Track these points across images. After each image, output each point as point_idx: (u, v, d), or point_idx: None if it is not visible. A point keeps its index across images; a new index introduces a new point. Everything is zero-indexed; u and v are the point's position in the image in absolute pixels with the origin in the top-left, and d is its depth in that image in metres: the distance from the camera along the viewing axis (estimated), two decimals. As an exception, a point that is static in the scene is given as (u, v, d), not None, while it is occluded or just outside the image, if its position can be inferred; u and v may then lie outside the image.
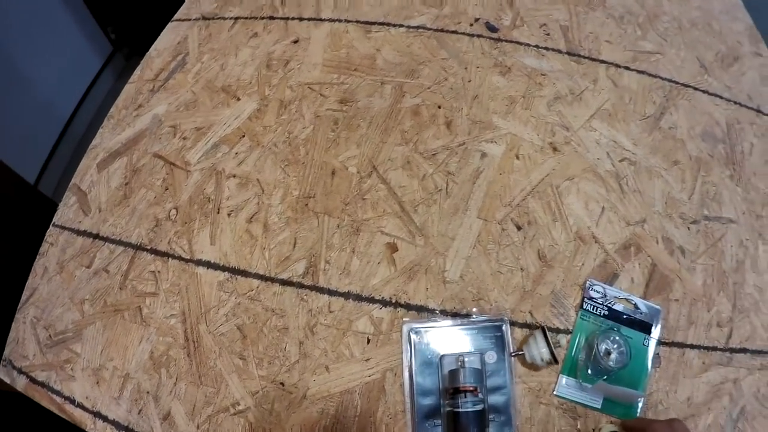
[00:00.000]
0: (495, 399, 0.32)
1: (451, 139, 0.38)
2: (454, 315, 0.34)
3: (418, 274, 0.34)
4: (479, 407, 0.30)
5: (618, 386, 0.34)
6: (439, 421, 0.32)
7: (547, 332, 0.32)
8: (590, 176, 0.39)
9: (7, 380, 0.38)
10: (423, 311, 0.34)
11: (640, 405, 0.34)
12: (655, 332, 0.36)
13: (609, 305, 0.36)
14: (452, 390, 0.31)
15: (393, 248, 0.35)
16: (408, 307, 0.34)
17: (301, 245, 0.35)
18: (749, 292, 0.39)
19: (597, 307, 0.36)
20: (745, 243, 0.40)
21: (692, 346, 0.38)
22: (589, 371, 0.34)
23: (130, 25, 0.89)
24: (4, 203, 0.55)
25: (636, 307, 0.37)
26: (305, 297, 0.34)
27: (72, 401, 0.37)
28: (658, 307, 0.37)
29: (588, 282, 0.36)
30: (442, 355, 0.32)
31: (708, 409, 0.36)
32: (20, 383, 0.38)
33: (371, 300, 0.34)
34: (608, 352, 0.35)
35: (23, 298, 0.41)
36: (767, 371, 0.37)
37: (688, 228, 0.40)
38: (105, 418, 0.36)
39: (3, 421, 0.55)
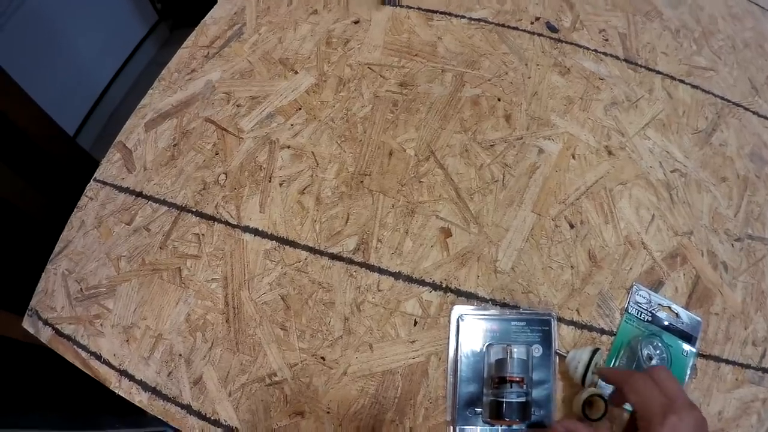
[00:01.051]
0: (537, 393, 0.33)
1: (510, 132, 0.39)
2: (503, 305, 0.33)
3: (470, 261, 0.35)
4: (523, 399, 0.31)
5: None
6: (480, 410, 0.32)
7: (597, 355, 0.32)
8: (642, 183, 0.39)
9: (32, 330, 0.38)
10: (472, 298, 0.34)
11: None
12: (695, 343, 0.36)
13: (653, 311, 0.36)
14: (498, 379, 0.31)
15: (447, 233, 0.35)
16: (458, 293, 0.34)
17: (354, 221, 0.35)
18: None
19: (641, 312, 0.36)
20: None
21: (727, 362, 0.38)
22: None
23: None
24: (44, 155, 0.54)
25: (678, 316, 0.37)
26: (354, 273, 0.34)
27: (98, 357, 0.36)
28: (699, 318, 0.37)
29: (635, 286, 0.36)
30: (489, 344, 0.32)
31: (737, 425, 0.36)
32: (45, 334, 0.37)
33: (421, 282, 0.34)
34: (650, 357, 0.35)
35: (56, 249, 0.40)
36: None
37: (732, 245, 0.41)
38: (131, 377, 0.35)
39: (24, 372, 0.53)
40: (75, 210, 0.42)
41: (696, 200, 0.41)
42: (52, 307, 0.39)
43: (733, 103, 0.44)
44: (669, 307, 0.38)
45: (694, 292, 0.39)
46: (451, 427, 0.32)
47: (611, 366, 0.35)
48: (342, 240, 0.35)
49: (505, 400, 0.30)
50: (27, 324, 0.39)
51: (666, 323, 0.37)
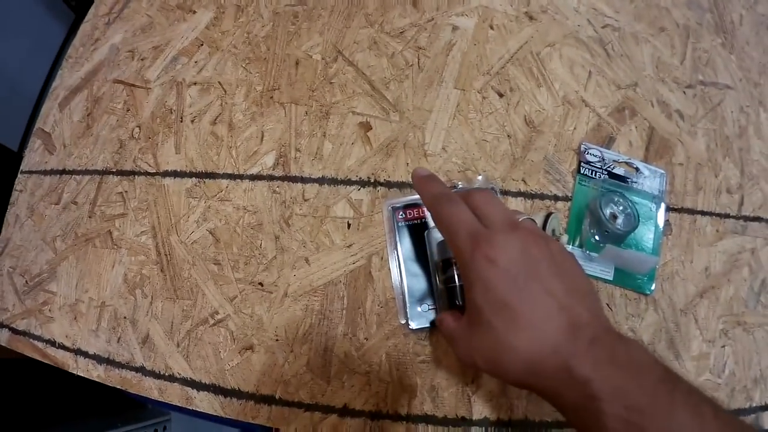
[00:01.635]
0: None
1: (419, 16, 0.34)
2: None
3: (395, 150, 0.30)
4: None
5: (629, 250, 0.27)
6: (432, 304, 0.26)
7: (551, 219, 0.26)
8: (572, 42, 0.34)
9: None
10: (405, 188, 0.28)
11: (658, 268, 0.28)
12: (663, 197, 0.30)
13: (608, 169, 0.31)
14: (443, 263, 0.26)
15: (366, 127, 0.30)
16: (389, 184, 0.29)
17: (269, 137, 0.31)
18: (756, 158, 0.34)
19: (595, 171, 0.30)
20: (745, 109, 0.35)
21: (703, 213, 0.32)
22: (596, 238, 0.28)
23: None
24: None
25: (638, 170, 0.31)
26: (277, 189, 0.30)
27: (53, 343, 0.33)
28: (662, 170, 0.31)
29: (583, 145, 0.31)
30: (428, 229, 0.27)
31: (728, 280, 0.31)
32: (3, 338, 0.35)
33: (348, 182, 0.29)
34: (614, 216, 0.29)
35: None
36: None
37: (684, 92, 0.35)
38: (85, 354, 0.31)
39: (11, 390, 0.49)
40: (9, 207, 0.38)
41: (635, 52, 0.35)
42: (4, 309, 0.36)
43: (662, -57, 0.37)
44: (626, 163, 0.32)
45: (650, 144, 0.33)
46: (408, 328, 0.27)
47: (571, 229, 0.29)
48: (259, 159, 0.31)
49: (457, 284, 0.25)
50: None
51: (627, 180, 0.31)
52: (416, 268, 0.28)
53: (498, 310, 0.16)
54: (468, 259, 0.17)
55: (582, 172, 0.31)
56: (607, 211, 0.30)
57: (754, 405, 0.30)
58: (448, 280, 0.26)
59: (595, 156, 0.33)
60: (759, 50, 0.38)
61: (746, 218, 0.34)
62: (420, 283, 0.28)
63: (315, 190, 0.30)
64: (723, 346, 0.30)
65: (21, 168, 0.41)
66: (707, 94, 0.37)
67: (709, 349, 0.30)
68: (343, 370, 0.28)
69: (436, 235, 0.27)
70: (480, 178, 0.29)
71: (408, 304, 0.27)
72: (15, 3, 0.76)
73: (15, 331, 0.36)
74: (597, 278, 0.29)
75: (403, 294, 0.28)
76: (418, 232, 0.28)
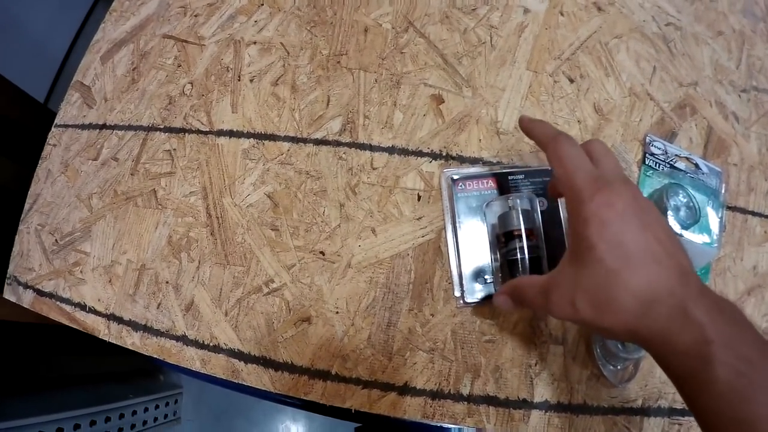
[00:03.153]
0: (552, 255, 0.26)
1: None
2: (498, 163, 0.27)
3: (468, 125, 0.28)
4: (536, 254, 0.24)
5: (690, 240, 0.26)
6: (490, 278, 0.25)
7: None
8: (638, 36, 0.33)
9: (13, 298, 0.32)
10: (477, 163, 0.26)
11: (713, 262, 0.27)
12: (720, 195, 0.29)
13: (671, 162, 0.30)
14: (504, 237, 0.25)
15: (439, 100, 0.29)
16: (461, 159, 0.28)
17: (336, 102, 0.29)
18: None
19: (659, 164, 0.30)
20: None
21: (754, 213, 0.32)
22: None
23: None
24: (14, 124, 0.45)
25: (697, 167, 0.30)
26: (344, 155, 0.28)
27: (83, 307, 0.30)
28: (719, 168, 0.30)
29: (648, 137, 0.30)
30: (488, 203, 0.26)
31: None
32: (27, 299, 0.32)
33: (419, 153, 0.28)
34: (677, 208, 0.28)
35: (26, 207, 0.35)
36: None
37: (739, 96, 0.35)
38: (120, 320, 0.29)
39: (23, 354, 0.45)
40: (40, 161, 0.36)
41: (695, 52, 0.35)
42: (29, 268, 0.32)
43: (724, -51, 0.37)
44: (687, 158, 0.31)
45: (709, 142, 0.32)
46: (461, 301, 0.26)
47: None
48: (325, 123, 0.29)
49: (518, 257, 0.24)
50: (8, 293, 0.33)
51: (688, 174, 0.30)
52: (474, 241, 0.26)
53: (614, 248, 0.16)
54: (586, 198, 0.17)
55: (647, 163, 0.31)
56: (672, 203, 0.30)
57: None
58: (510, 253, 0.24)
59: (659, 149, 0.32)
60: (807, 61, 0.39)
61: None
62: (477, 257, 0.26)
63: (384, 159, 0.28)
64: None
65: (55, 121, 0.37)
66: (760, 99, 0.37)
67: None
68: (406, 346, 0.26)
69: (496, 209, 0.26)
70: (522, 154, 0.28)
71: (465, 278, 0.26)
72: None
73: (40, 293, 0.32)
74: None
75: (459, 267, 0.26)
76: (474, 202, 0.27)
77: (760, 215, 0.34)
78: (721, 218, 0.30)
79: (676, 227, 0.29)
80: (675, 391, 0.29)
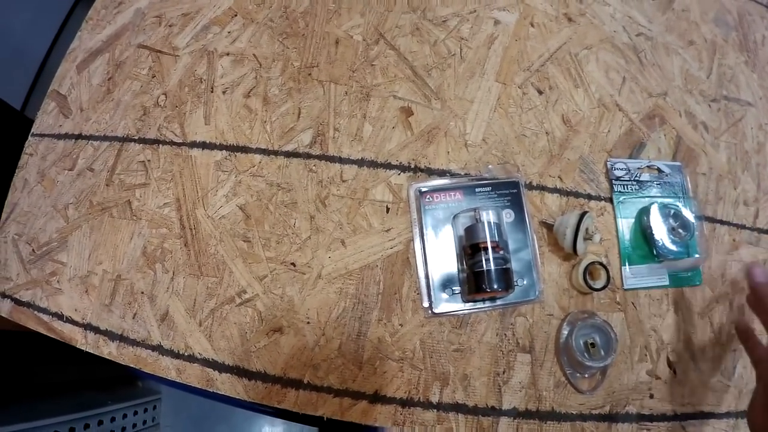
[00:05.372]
0: (516, 261, 0.27)
1: (462, 6, 0.33)
2: (466, 175, 0.27)
3: (437, 138, 0.29)
4: (503, 265, 0.25)
5: (683, 259, 0.28)
6: (458, 288, 0.26)
7: (585, 218, 0.26)
8: (608, 47, 0.34)
9: None
10: (445, 175, 0.27)
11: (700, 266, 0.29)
12: (687, 192, 0.31)
13: (636, 179, 0.30)
14: (470, 248, 0.26)
15: (408, 112, 0.29)
16: (429, 171, 0.28)
17: (306, 114, 0.29)
18: None
19: (627, 185, 0.30)
20: (764, 127, 0.36)
21: (722, 222, 0.33)
22: (658, 250, 0.28)
23: None
24: None
25: (660, 171, 0.31)
26: (314, 167, 0.28)
27: (60, 317, 0.30)
28: (677, 163, 0.32)
29: (608, 162, 0.31)
30: (455, 215, 0.27)
31: (742, 288, 0.31)
32: (5, 308, 0.32)
33: (388, 166, 0.28)
34: (673, 228, 0.28)
35: (2, 217, 0.34)
36: None
37: (709, 105, 0.36)
38: (96, 330, 0.29)
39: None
40: (17, 170, 0.35)
41: (666, 62, 0.36)
42: (7, 278, 0.32)
43: (695, -38, 0.38)
44: (648, 167, 0.32)
45: (677, 152, 0.33)
46: (430, 312, 0.26)
47: (623, 249, 0.28)
48: (296, 135, 0.29)
49: (484, 268, 0.24)
50: None
51: (655, 183, 0.31)
52: (441, 253, 0.27)
53: None
54: None
55: (616, 189, 0.30)
56: (666, 227, 0.29)
57: None
58: (476, 265, 0.25)
59: (622, 169, 0.32)
60: (778, 70, 0.40)
61: (760, 230, 0.34)
62: (445, 268, 0.27)
63: (354, 171, 0.28)
64: (734, 350, 0.31)
65: (32, 131, 0.37)
66: (730, 109, 0.37)
67: (722, 352, 0.31)
68: (375, 355, 0.27)
69: (463, 221, 0.27)
70: (490, 167, 0.29)
71: (433, 288, 0.27)
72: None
73: (18, 302, 0.32)
74: (656, 287, 0.29)
75: (427, 278, 0.27)
76: (441, 214, 0.27)
77: (728, 224, 0.35)
78: (695, 216, 0.31)
79: (672, 246, 0.29)
80: (643, 397, 0.30)
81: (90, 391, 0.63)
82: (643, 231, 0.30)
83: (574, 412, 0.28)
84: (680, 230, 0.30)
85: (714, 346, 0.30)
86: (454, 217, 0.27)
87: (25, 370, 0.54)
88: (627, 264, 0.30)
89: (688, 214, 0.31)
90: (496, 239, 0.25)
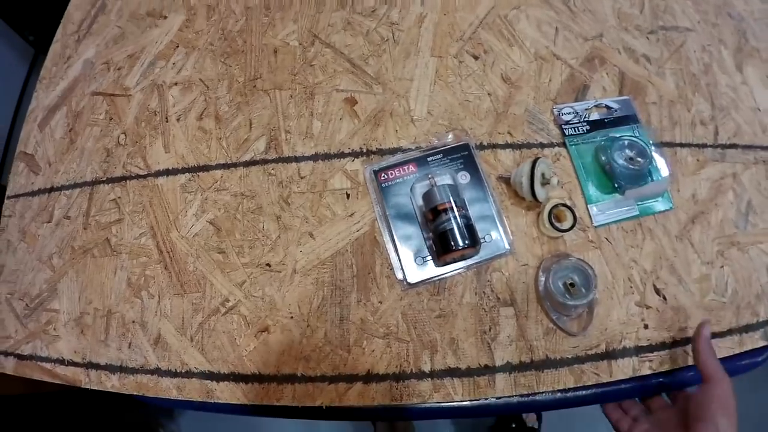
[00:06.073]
0: (479, 217, 0.30)
1: None
2: (417, 149, 0.31)
3: (383, 120, 0.33)
4: (465, 221, 0.28)
5: (646, 185, 0.31)
6: (428, 256, 0.29)
7: (538, 164, 0.28)
8: (536, 2, 0.38)
9: None
10: (398, 152, 0.30)
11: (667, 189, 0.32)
12: (638, 122, 0.34)
13: (586, 119, 0.34)
14: (431, 213, 0.29)
15: (352, 102, 0.33)
16: (381, 152, 0.32)
17: (258, 124, 0.33)
18: (724, 91, 0.38)
19: (577, 127, 0.34)
20: (707, 48, 0.39)
21: (682, 145, 0.36)
22: (620, 183, 0.31)
23: (45, 24, 0.79)
24: None
25: (608, 108, 0.34)
26: (272, 171, 0.32)
27: (62, 361, 0.34)
28: (626, 97, 0.35)
29: (554, 109, 0.35)
30: (411, 186, 0.31)
31: (715, 204, 0.34)
32: (9, 366, 0.35)
33: (341, 155, 0.32)
34: (630, 158, 0.32)
35: None
36: (762, 165, 0.35)
37: (647, 38, 0.39)
38: (97, 366, 0.32)
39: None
40: (0, 233, 0.38)
41: (596, 6, 0.40)
42: (6, 336, 0.36)
43: None
44: (595, 106, 0.35)
45: (623, 87, 0.37)
46: (405, 283, 0.29)
47: (586, 188, 0.32)
48: (251, 145, 0.33)
49: (447, 228, 0.28)
50: None
51: (605, 120, 0.34)
52: (406, 225, 0.30)
53: None
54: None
55: (567, 134, 0.34)
56: (620, 161, 0.32)
57: (761, 320, 0.32)
58: (440, 226, 0.28)
59: (569, 113, 0.35)
60: (714, -8, 0.43)
61: (723, 146, 0.37)
62: (412, 238, 0.30)
63: (310, 167, 0.32)
64: (722, 267, 0.33)
65: (7, 194, 0.41)
66: (669, 37, 0.40)
67: (709, 270, 0.33)
68: (361, 336, 0.30)
69: (420, 190, 0.30)
70: (450, 136, 0.32)
71: (404, 261, 0.30)
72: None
73: (21, 357, 0.36)
74: (627, 219, 0.32)
75: (397, 252, 0.30)
76: (401, 189, 0.31)
77: (689, 145, 0.38)
78: (653, 143, 0.34)
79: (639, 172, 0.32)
80: (637, 329, 0.33)
81: None
82: (602, 168, 0.33)
83: (569, 356, 0.30)
84: (638, 158, 0.33)
85: (700, 266, 0.33)
86: (411, 189, 0.30)
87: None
88: (593, 202, 0.32)
89: (644, 142, 0.33)
90: (453, 199, 0.28)
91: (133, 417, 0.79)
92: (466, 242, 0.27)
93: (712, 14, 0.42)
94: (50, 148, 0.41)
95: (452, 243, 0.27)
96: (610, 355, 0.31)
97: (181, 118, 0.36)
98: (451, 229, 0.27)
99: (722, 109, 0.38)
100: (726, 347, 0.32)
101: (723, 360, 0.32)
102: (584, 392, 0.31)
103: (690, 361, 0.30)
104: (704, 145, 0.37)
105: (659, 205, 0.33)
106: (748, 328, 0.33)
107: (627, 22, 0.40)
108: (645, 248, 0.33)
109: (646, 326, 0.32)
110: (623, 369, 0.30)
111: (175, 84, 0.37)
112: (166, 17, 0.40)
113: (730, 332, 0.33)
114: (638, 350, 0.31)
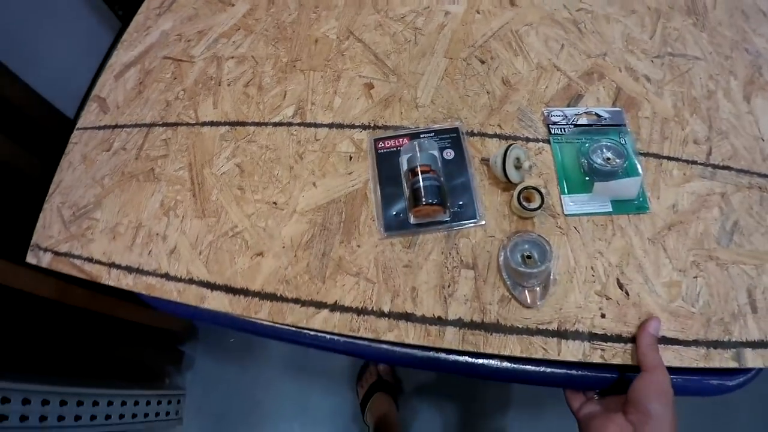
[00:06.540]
0: (460, 194, 0.51)
1: (417, 4, 0.64)
2: (416, 128, 0.52)
3: (392, 103, 0.55)
4: (436, 183, 0.49)
5: (614, 180, 0.47)
6: (403, 210, 0.50)
7: (511, 150, 0.47)
8: (548, 22, 0.60)
9: (34, 261, 0.59)
10: (399, 130, 0.49)
11: (641, 190, 0.51)
12: (627, 129, 0.53)
13: (573, 123, 0.51)
14: (411, 173, 0.51)
15: (370, 86, 0.55)
16: (385, 128, 0.53)
17: (291, 95, 0.57)
18: (725, 117, 0.57)
19: (564, 128, 0.52)
20: (715, 77, 0.58)
21: (670, 158, 0.54)
22: (591, 177, 0.49)
23: (133, 3, 1.25)
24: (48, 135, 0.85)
25: (598, 116, 0.52)
26: (294, 132, 0.54)
27: (90, 260, 0.57)
28: (618, 108, 0.54)
29: (545, 110, 0.55)
30: (403, 150, 0.53)
31: (697, 217, 0.51)
32: (45, 260, 0.58)
33: (352, 126, 0.54)
34: (607, 159, 0.49)
35: (50, 190, 0.64)
36: (757, 190, 0.48)
37: (652, 61, 0.58)
38: (118, 266, 0.55)
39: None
40: (63, 156, 0.65)
41: (606, 30, 0.60)
42: (50, 236, 0.60)
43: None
44: (586, 113, 0.53)
45: (617, 100, 0.55)
46: (382, 231, 0.50)
47: (561, 180, 0.51)
48: (282, 111, 0.58)
49: (420, 185, 0.49)
50: (30, 257, 0.60)
51: (592, 126, 0.52)
52: (392, 186, 0.52)
53: None
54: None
55: (553, 133, 0.55)
56: (598, 161, 0.52)
57: (733, 339, 0.44)
58: (414, 183, 0.49)
59: (558, 116, 0.54)
60: (732, 30, 0.62)
61: (715, 166, 0.54)
62: (394, 197, 0.51)
63: (325, 132, 0.57)
64: (695, 277, 0.47)
65: (76, 126, 0.68)
66: (675, 63, 0.60)
67: (680, 278, 0.47)
68: (336, 271, 0.49)
69: (406, 156, 0.52)
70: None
71: (383, 214, 0.51)
72: (71, 11, 1.23)
73: (57, 254, 0.60)
74: (599, 213, 0.50)
75: (380, 208, 0.51)
76: (395, 157, 0.53)
77: (677, 159, 0.55)
78: (634, 150, 0.53)
79: (611, 172, 0.51)
80: (594, 316, 0.51)
81: (121, 376, 0.98)
82: (581, 167, 0.53)
83: (520, 326, 0.45)
84: (616, 159, 0.52)
85: (671, 271, 0.48)
86: (402, 154, 0.53)
87: (58, 336, 0.85)
88: (566, 194, 0.51)
89: (625, 148, 0.51)
90: (430, 164, 0.50)
91: (144, 359, 1.22)
92: (433, 200, 0.48)
93: (727, 47, 0.62)
94: (120, 95, 0.68)
95: (422, 198, 0.48)
96: (561, 334, 0.46)
97: (231, 84, 0.63)
98: (423, 187, 0.48)
99: (720, 133, 0.56)
100: (690, 357, 0.44)
101: (687, 372, 0.47)
102: (531, 367, 0.47)
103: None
104: (694, 162, 0.53)
105: (636, 206, 0.50)
106: (717, 344, 0.46)
107: (634, 45, 0.61)
108: (614, 243, 0.49)
109: (603, 316, 0.45)
110: (573, 351, 0.46)
111: (232, 57, 0.65)
112: (233, 5, 0.71)
113: (696, 343, 0.45)
114: (591, 336, 0.46)
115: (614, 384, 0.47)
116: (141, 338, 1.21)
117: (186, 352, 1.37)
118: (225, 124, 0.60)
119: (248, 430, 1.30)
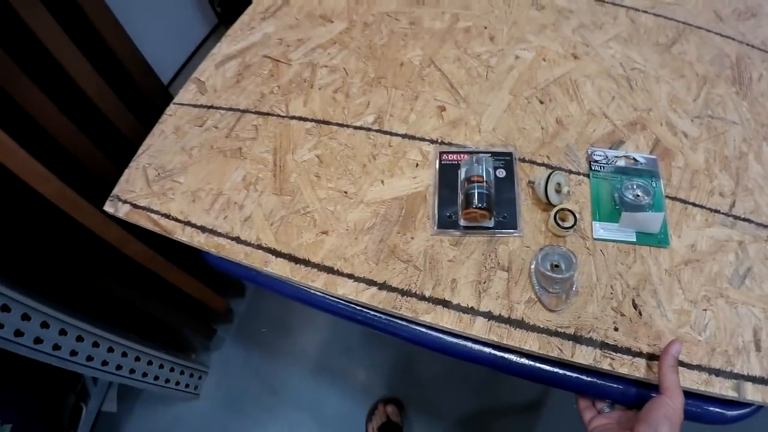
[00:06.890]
0: (502, 198, 0.77)
1: (493, 46, 0.91)
2: (476, 148, 0.74)
3: (459, 125, 0.79)
4: (486, 191, 0.75)
5: (640, 213, 0.69)
6: (456, 212, 0.76)
7: (553, 175, 0.70)
8: (604, 76, 0.88)
9: (111, 210, 0.86)
10: (462, 148, 0.73)
11: (664, 226, 0.75)
12: (658, 177, 0.75)
13: (612, 164, 0.73)
14: (467, 182, 0.77)
15: (442, 109, 0.80)
16: (450, 144, 0.77)
17: (373, 105, 0.83)
18: (753, 177, 0.83)
19: (603, 166, 0.75)
20: (748, 140, 0.83)
21: (695, 205, 0.77)
22: (620, 207, 0.71)
23: (231, 3, 1.66)
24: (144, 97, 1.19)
25: (635, 160, 0.76)
26: (372, 137, 0.80)
27: (167, 216, 0.84)
28: (654, 156, 0.78)
29: (589, 149, 0.79)
30: (463, 163, 0.78)
31: (713, 258, 0.74)
32: (123, 211, 0.85)
33: (422, 139, 0.79)
34: (637, 196, 0.71)
35: (138, 151, 0.91)
36: None
37: (692, 120, 0.84)
38: (193, 225, 0.82)
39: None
40: (156, 124, 0.93)
41: (654, 89, 0.87)
42: (131, 191, 0.88)
43: (696, 27, 0.87)
44: (625, 156, 0.77)
45: (654, 149, 0.79)
46: (435, 228, 0.77)
47: (595, 209, 0.77)
48: (363, 117, 0.84)
49: (475, 192, 0.75)
50: (108, 207, 0.87)
51: (629, 168, 0.75)
52: (448, 192, 0.80)
53: None
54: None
55: (593, 169, 0.79)
56: (629, 195, 0.75)
57: (735, 371, 0.63)
58: (468, 189, 0.77)
59: (600, 156, 0.79)
60: (776, 107, 0.83)
61: (736, 217, 0.78)
62: (449, 202, 0.79)
63: (398, 141, 0.85)
64: (705, 310, 0.68)
65: (174, 101, 0.98)
66: (713, 125, 0.86)
67: (691, 308, 0.68)
68: (390, 256, 0.73)
69: (464, 168, 0.80)
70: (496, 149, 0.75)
71: (437, 214, 0.78)
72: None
73: (135, 206, 0.88)
74: (623, 241, 0.75)
75: (434, 207, 0.79)
76: (455, 169, 0.81)
77: (701, 206, 0.79)
78: (662, 192, 0.78)
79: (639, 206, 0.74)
80: (607, 327, 0.78)
81: (153, 337, 1.31)
82: (613, 199, 0.79)
83: (541, 326, 0.66)
84: (645, 196, 0.74)
85: (683, 301, 0.69)
86: (461, 165, 0.79)
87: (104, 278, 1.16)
88: (598, 219, 0.77)
89: (654, 190, 0.73)
90: (484, 176, 0.77)
91: (180, 328, 1.62)
92: (482, 205, 0.75)
93: (765, 116, 0.89)
94: (219, 82, 0.98)
95: (474, 202, 0.75)
96: (576, 339, 0.67)
97: (322, 88, 0.94)
98: (476, 193, 0.75)
99: (746, 190, 0.79)
100: (691, 380, 0.64)
101: (689, 395, 0.67)
102: (546, 367, 0.70)
103: (648, 375, 0.64)
104: (717, 211, 0.77)
105: (657, 240, 0.75)
106: (719, 372, 0.66)
107: (677, 105, 0.87)
108: (633, 269, 0.71)
109: (616, 329, 0.65)
110: (585, 355, 0.67)
111: (325, 66, 0.97)
112: (332, 22, 1.03)
113: (699, 368, 0.64)
114: (603, 345, 0.67)
115: (619, 396, 0.68)
116: (183, 307, 1.54)
117: (218, 333, 1.76)
118: (312, 120, 0.90)
119: (260, 413, 1.71)
